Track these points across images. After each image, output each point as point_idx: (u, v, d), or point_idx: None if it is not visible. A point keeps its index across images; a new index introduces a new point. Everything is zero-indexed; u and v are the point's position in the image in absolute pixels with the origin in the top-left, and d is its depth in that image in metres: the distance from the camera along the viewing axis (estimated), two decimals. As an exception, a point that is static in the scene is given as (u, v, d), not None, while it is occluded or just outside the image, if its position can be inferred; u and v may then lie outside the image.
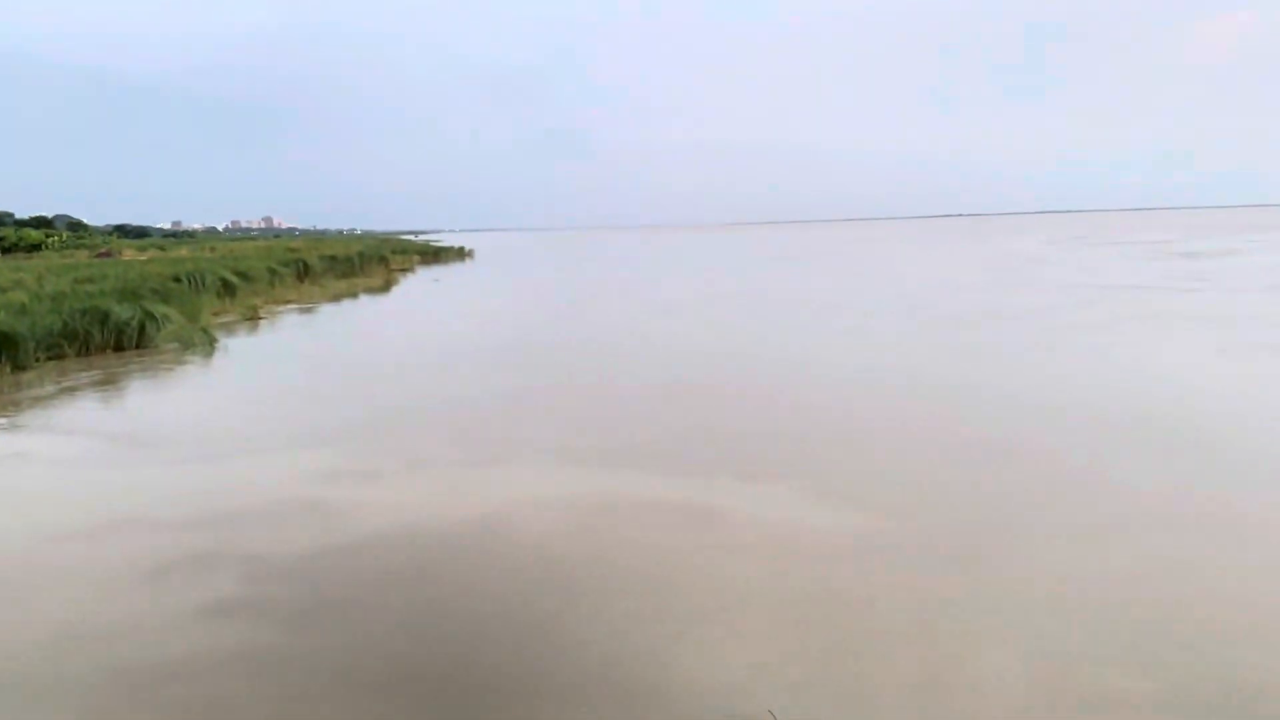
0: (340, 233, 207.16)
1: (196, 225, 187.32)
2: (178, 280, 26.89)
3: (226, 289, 29.77)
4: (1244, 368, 15.27)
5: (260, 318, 26.69)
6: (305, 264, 40.51)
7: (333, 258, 45.33)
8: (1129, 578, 6.68)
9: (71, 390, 15.37)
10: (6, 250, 57.65)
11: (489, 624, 6.15)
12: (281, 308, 30.00)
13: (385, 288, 41.58)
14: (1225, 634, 5.78)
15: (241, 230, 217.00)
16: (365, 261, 49.35)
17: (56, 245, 64.60)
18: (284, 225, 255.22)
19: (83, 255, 50.82)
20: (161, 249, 62.16)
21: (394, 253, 61.96)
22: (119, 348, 19.10)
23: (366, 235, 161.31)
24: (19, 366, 16.80)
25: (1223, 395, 13.13)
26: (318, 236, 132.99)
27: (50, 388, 15.60)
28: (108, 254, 51.49)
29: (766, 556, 7.27)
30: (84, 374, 16.80)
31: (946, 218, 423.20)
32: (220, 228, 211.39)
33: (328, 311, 30.03)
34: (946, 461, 10.01)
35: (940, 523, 7.98)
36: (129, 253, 54.39)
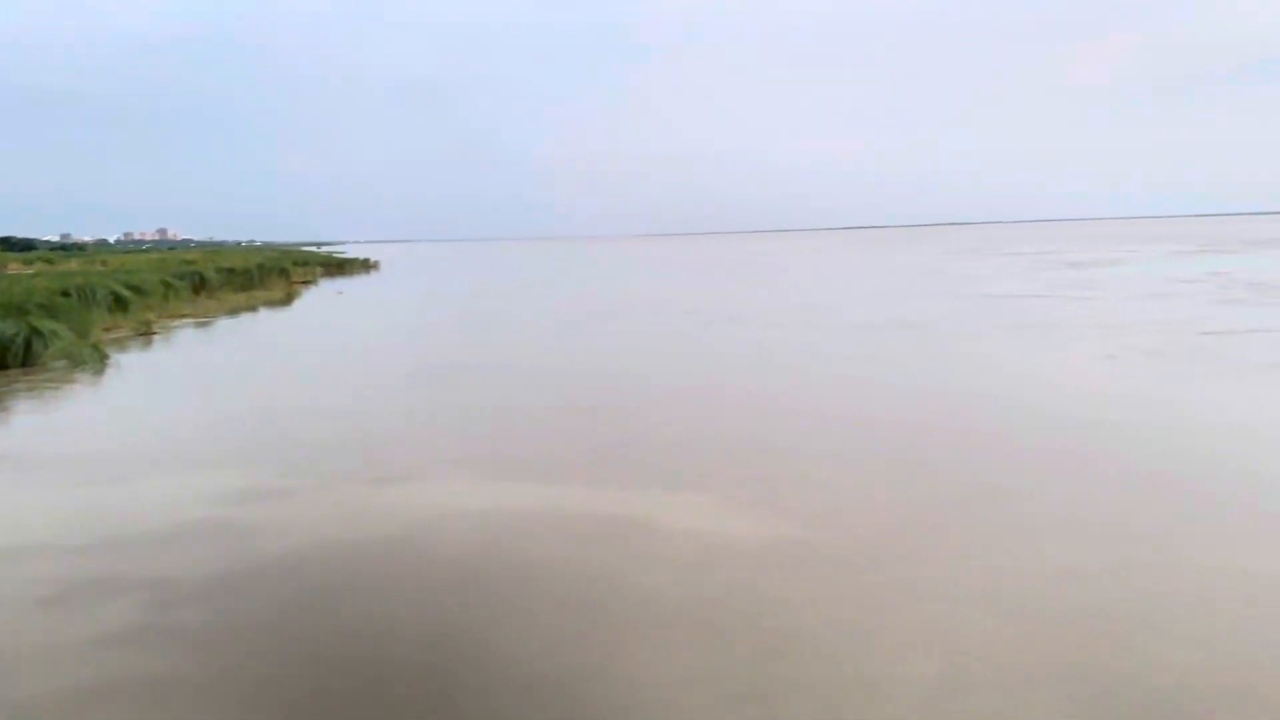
0: (240, 244, 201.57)
1: (87, 237, 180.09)
2: (66, 295, 25.82)
3: (119, 304, 28.69)
4: (1136, 373, 16.09)
5: (154, 333, 25.85)
6: (201, 277, 39.34)
7: (230, 270, 44.10)
8: (1043, 580, 6.93)
9: (-49, 411, 14.72)
10: (-123, 264, 54.60)
11: (409, 645, 6.05)
12: (177, 322, 29.10)
13: (286, 300, 40.72)
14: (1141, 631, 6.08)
15: (135, 242, 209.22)
16: (265, 274, 48.14)
17: (-67, 259, 61.42)
18: (180, 237, 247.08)
19: (-38, 269, 48.46)
20: (49, 262, 59.60)
21: (296, 264, 60.62)
22: (3, 366, 18.30)
23: (267, 247, 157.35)
24: (-108, 387, 16.00)
25: (1126, 401, 13.71)
26: (215, 248, 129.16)
27: (-73, 409, 14.91)
28: (-11, 267, 49.19)
29: (688, 567, 7.32)
30: (-36, 394, 16.09)
31: (855, 229, 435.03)
32: (112, 240, 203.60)
33: (225, 326, 29.26)
34: (857, 466, 10.29)
35: (856, 527, 8.17)
36: (14, 266, 52.02)
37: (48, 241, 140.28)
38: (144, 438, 12.85)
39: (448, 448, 11.83)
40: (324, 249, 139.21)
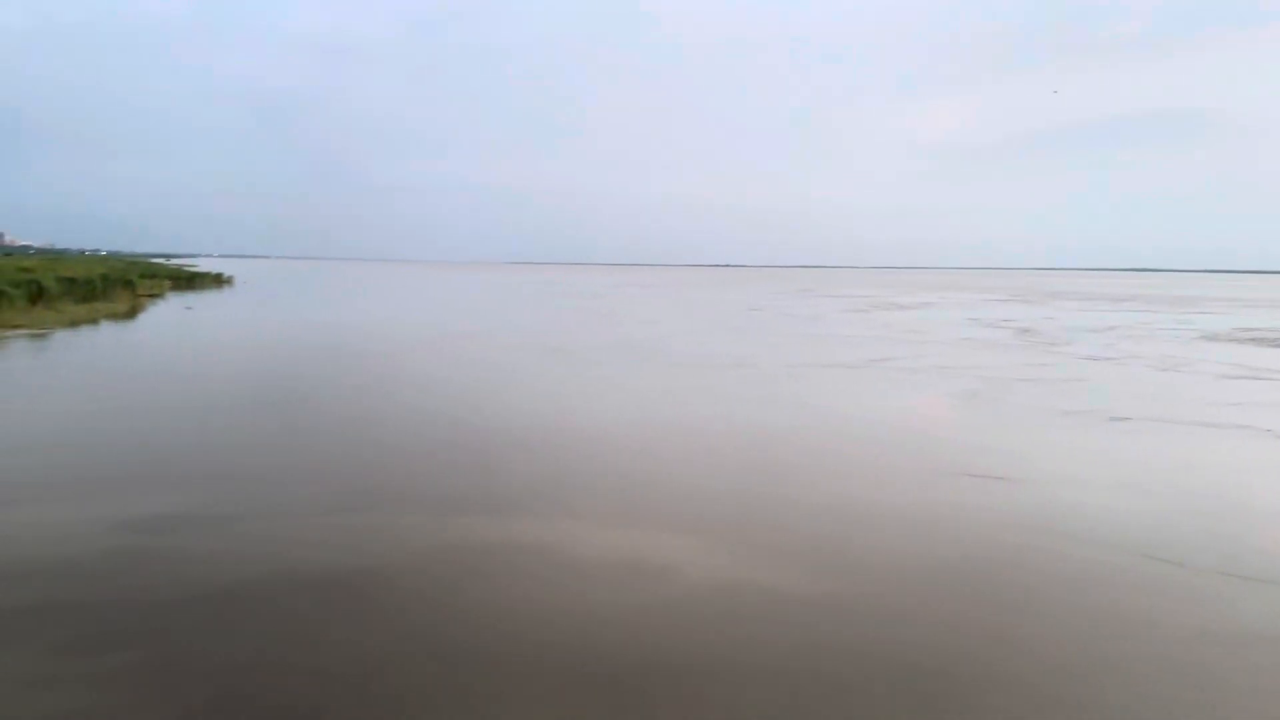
0: (83, 253, 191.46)
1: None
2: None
3: (-55, 311, 27.61)
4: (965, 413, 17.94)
5: (-16, 343, 25.00)
6: (40, 285, 37.96)
7: (72, 280, 42.60)
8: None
9: None
10: None
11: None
12: (9, 333, 28.12)
13: (131, 314, 39.62)
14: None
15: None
16: (109, 285, 46.62)
17: None
18: (18, 243, 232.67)
19: None
20: None
21: (143, 276, 58.81)
22: None
23: (112, 257, 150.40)
24: None
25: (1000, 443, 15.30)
26: (56, 256, 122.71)
27: None
28: None
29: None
30: None
31: (708, 267, 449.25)
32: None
33: (63, 340, 28.21)
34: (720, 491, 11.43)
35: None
36: None
37: None
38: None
39: (292, 482, 12.06)
40: (174, 262, 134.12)
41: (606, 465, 12.75)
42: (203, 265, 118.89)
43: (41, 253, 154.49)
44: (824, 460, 13.33)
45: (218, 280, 76.41)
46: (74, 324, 32.92)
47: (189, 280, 70.95)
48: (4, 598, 7.42)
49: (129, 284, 51.08)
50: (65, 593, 7.55)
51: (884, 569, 8.51)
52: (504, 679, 6.24)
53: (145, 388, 19.41)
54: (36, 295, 37.03)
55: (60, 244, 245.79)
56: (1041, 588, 8.09)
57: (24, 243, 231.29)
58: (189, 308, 46.11)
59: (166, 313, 42.64)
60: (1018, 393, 19.94)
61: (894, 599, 7.77)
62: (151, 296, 52.77)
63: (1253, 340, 35.03)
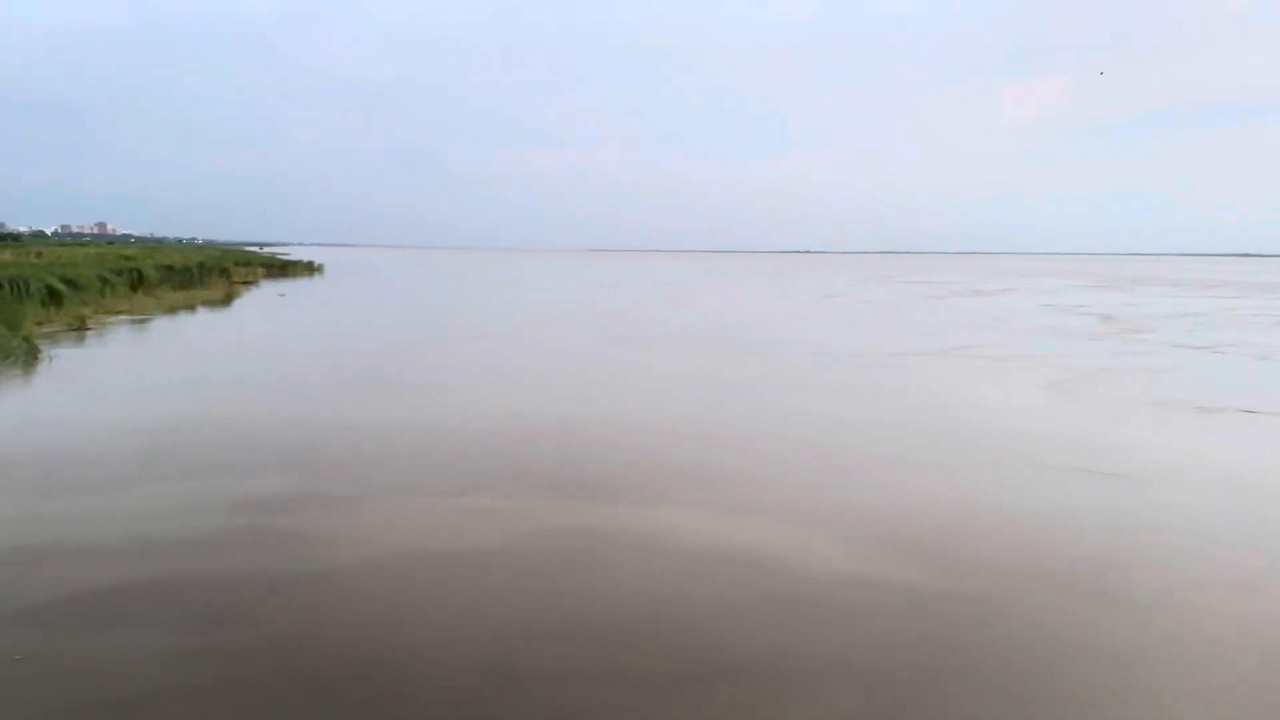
0: (180, 241, 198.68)
1: (22, 228, 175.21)
2: (-2, 286, 25.98)
3: (53, 297, 28.88)
4: (1078, 408, 17.33)
5: (88, 329, 25.89)
6: (140, 273, 39.45)
7: (170, 267, 44.15)
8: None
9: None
10: None
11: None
12: (112, 319, 29.06)
13: (226, 301, 40.89)
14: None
15: (72, 235, 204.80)
16: (205, 273, 48.22)
17: None
18: (119, 231, 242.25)
19: (-109, 255, 47.72)
20: (-19, 252, 58.81)
21: (237, 264, 60.50)
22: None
23: (208, 245, 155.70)
24: None
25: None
26: (155, 244, 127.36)
27: None
28: (-80, 255, 48.53)
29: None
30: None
31: (784, 253, 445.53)
32: (49, 231, 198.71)
33: (161, 325, 29.08)
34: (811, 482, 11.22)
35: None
36: (-56, 255, 51.35)
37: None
38: (65, 446, 12.52)
39: (383, 468, 11.97)
40: (267, 250, 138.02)
41: (702, 454, 12.51)
42: (295, 254, 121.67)
43: (142, 241, 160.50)
44: (918, 452, 12.68)
45: (309, 268, 78.00)
46: (172, 310, 34.09)
47: (282, 268, 72.59)
48: (131, 573, 7.62)
49: (224, 272, 52.69)
50: (188, 570, 7.73)
51: (1003, 566, 8.17)
52: (627, 666, 6.22)
53: (246, 371, 19.83)
54: (137, 282, 38.45)
55: (159, 233, 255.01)
56: (1178, 591, 7.67)
57: (125, 231, 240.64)
58: (282, 295, 47.24)
59: (260, 299, 43.83)
60: (1103, 382, 19.34)
61: (1021, 597, 7.48)
62: (246, 284, 54.34)
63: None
